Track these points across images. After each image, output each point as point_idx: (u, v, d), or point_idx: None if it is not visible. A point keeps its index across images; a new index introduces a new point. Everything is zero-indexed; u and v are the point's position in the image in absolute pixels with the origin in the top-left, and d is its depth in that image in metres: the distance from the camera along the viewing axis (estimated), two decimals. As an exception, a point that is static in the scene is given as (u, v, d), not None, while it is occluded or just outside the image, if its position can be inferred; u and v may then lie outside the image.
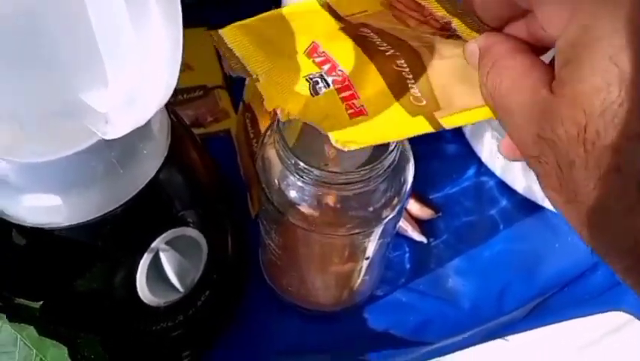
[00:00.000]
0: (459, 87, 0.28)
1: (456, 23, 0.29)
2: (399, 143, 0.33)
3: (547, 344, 0.49)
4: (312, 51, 0.31)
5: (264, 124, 0.49)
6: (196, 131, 0.57)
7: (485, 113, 0.27)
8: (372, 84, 0.30)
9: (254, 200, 0.50)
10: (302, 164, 0.33)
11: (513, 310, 0.49)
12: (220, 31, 0.32)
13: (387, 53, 0.30)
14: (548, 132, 0.23)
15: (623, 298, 0.49)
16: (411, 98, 0.29)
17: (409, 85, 0.29)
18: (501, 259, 0.51)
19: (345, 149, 0.28)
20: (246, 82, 0.51)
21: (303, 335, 0.47)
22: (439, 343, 0.47)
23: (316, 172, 0.33)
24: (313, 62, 0.31)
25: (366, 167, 0.32)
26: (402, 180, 0.36)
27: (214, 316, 0.44)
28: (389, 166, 0.33)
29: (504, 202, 0.54)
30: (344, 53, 0.31)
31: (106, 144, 0.29)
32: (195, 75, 0.61)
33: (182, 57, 0.61)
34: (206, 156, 0.42)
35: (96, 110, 0.27)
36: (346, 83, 0.30)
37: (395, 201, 0.36)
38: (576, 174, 0.22)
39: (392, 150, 0.33)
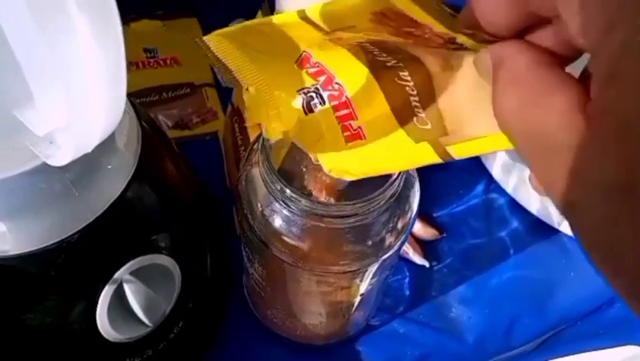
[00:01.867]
0: (471, 108, 0.24)
1: (462, 38, 0.24)
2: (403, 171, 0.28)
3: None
4: (304, 62, 0.27)
5: (253, 130, 0.44)
6: (181, 133, 0.52)
7: (502, 142, 0.23)
8: (373, 102, 0.25)
9: (240, 214, 0.46)
10: (288, 191, 0.28)
11: (522, 344, 0.45)
12: (205, 38, 0.27)
13: (388, 64, 0.25)
14: (585, 175, 0.18)
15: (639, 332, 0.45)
16: (415, 120, 0.24)
17: (413, 104, 0.24)
18: (510, 287, 0.47)
19: (339, 178, 0.25)
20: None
21: (289, 368, 0.42)
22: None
23: (305, 202, 0.28)
24: (307, 72, 0.27)
25: (365, 199, 0.28)
26: (406, 208, 0.31)
27: (189, 348, 0.39)
28: (391, 196, 0.29)
29: (515, 224, 0.50)
30: (339, 63, 0.26)
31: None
32: (182, 71, 0.56)
33: (169, 51, 0.56)
34: (185, 169, 0.38)
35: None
36: (344, 99, 0.26)
37: (397, 233, 0.31)
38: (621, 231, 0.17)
39: (395, 180, 0.28)
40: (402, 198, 0.31)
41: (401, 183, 0.29)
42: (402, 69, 0.25)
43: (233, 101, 0.48)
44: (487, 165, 0.51)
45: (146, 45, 0.57)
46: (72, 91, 0.19)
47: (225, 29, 0.28)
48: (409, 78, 0.25)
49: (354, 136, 0.25)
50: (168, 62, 0.57)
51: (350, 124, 0.25)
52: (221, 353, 0.42)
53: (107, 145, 0.29)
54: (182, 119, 0.54)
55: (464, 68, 0.24)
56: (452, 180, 0.51)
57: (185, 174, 0.38)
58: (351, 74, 0.26)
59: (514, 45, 0.21)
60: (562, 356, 0.44)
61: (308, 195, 0.29)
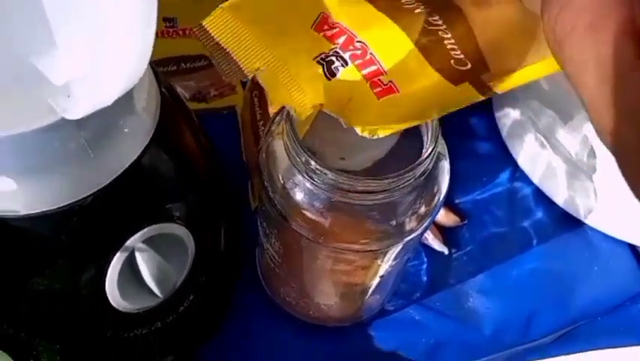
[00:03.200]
0: (514, 39, 0.23)
1: None
2: (435, 146, 0.27)
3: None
4: (322, 24, 0.25)
5: (276, 108, 0.43)
6: (197, 106, 0.51)
7: (546, 67, 0.22)
8: (401, 52, 0.24)
9: (255, 190, 0.45)
10: (314, 163, 0.27)
11: (540, 338, 0.43)
12: (204, 21, 0.25)
13: (415, 11, 0.24)
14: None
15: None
16: (452, 62, 0.23)
17: (448, 46, 0.23)
18: (531, 279, 0.46)
19: (375, 137, 0.24)
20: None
21: (301, 350, 0.41)
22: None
23: (331, 175, 0.27)
24: (324, 36, 0.25)
25: (394, 175, 0.26)
26: (434, 189, 0.30)
27: (198, 323, 0.38)
28: (422, 174, 0.27)
29: (540, 214, 0.48)
30: (361, 19, 0.25)
31: (74, 122, 0.24)
32: (200, 42, 0.55)
33: (189, 21, 0.54)
34: (203, 139, 0.37)
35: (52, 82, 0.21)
36: (368, 56, 0.25)
37: (423, 214, 0.30)
38: None
39: (426, 157, 0.26)
40: (431, 177, 0.29)
41: (432, 161, 0.27)
42: (431, 14, 0.24)
43: (255, 74, 0.46)
44: (514, 153, 0.49)
45: (166, 14, 0.56)
46: (97, 34, 0.17)
47: (230, 1, 0.26)
48: (440, 22, 0.24)
49: (387, 91, 0.24)
50: (187, 32, 0.56)
51: (380, 80, 0.24)
52: (231, 330, 0.41)
53: (126, 107, 0.28)
54: (200, 91, 0.53)
55: (501, 2, 0.23)
56: (476, 167, 0.49)
57: (203, 145, 0.37)
58: (375, 30, 0.25)
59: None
60: (579, 352, 0.43)
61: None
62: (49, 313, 0.31)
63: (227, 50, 0.24)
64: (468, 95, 0.23)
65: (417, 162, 0.26)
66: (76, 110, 0.21)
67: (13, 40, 0.20)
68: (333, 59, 0.25)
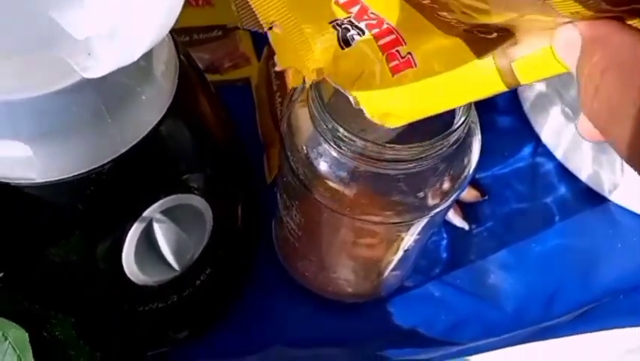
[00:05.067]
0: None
1: None
2: (469, 115, 0.26)
3: (592, 346, 0.43)
4: None
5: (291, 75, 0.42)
6: (211, 77, 0.50)
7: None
8: (420, 25, 0.22)
9: (271, 164, 0.44)
10: (342, 130, 0.26)
11: (561, 316, 0.42)
12: None
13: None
14: None
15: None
16: (475, 30, 0.21)
17: (469, 13, 0.20)
18: (554, 255, 0.45)
19: (385, 125, 0.22)
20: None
21: (318, 325, 0.41)
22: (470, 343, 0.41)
23: (359, 143, 0.25)
24: (337, 3, 0.24)
25: (425, 143, 0.25)
26: (465, 161, 0.29)
27: (215, 297, 0.38)
28: (454, 143, 0.26)
29: (562, 190, 0.47)
30: None
31: (92, 86, 0.23)
32: (215, 12, 0.53)
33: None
34: (221, 110, 0.36)
35: (74, 38, 0.20)
36: (385, 26, 0.23)
37: (452, 187, 0.29)
38: None
39: (460, 124, 0.25)
40: (462, 148, 0.28)
41: (465, 129, 0.26)
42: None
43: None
44: (537, 126, 0.48)
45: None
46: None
47: None
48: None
49: (404, 65, 0.22)
50: (200, 2, 0.54)
51: (398, 51, 0.22)
52: (247, 304, 0.40)
53: (145, 72, 0.27)
54: (213, 63, 0.51)
55: None
56: (497, 141, 0.48)
57: (221, 115, 0.36)
58: (387, 5, 0.23)
59: (610, 25, 0.18)
60: (602, 330, 0.42)
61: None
62: (64, 285, 0.31)
63: None
64: (491, 78, 0.21)
65: (450, 130, 0.25)
66: (97, 69, 0.20)
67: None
68: (349, 27, 0.23)
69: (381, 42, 0.23)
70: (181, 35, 0.52)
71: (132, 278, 0.30)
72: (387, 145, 0.25)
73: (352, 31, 0.23)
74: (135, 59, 0.19)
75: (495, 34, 0.20)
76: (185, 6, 0.56)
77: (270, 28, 0.23)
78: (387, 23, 0.23)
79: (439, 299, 0.42)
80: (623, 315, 0.43)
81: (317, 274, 0.38)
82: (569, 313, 0.43)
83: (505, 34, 0.20)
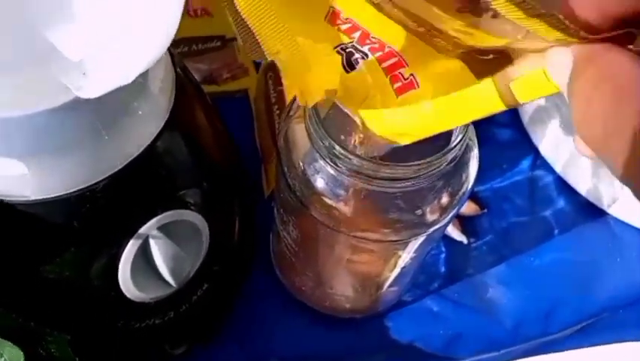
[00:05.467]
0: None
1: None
2: (467, 132, 0.26)
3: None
4: (334, 18, 0.24)
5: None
6: (208, 88, 0.50)
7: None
8: (420, 48, 0.22)
9: (269, 176, 0.44)
10: (338, 148, 0.25)
11: (561, 330, 0.42)
12: None
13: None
14: None
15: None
16: (473, 52, 0.21)
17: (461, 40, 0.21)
18: (552, 270, 0.44)
19: (393, 144, 0.23)
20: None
21: (315, 340, 0.40)
22: (468, 358, 0.41)
23: (355, 161, 0.25)
24: (339, 29, 0.24)
25: (422, 161, 0.25)
26: (463, 177, 0.29)
27: (211, 311, 0.37)
28: (451, 161, 0.26)
29: (561, 203, 0.47)
30: (373, 19, 0.23)
31: (88, 103, 0.23)
32: (213, 23, 0.53)
33: (200, 1, 0.53)
34: (219, 123, 0.35)
35: (68, 58, 0.20)
36: (387, 49, 0.23)
37: (450, 204, 0.28)
38: None
39: (457, 142, 0.25)
40: (460, 165, 0.28)
41: (463, 146, 0.26)
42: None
43: (269, 56, 0.45)
44: (535, 140, 0.48)
45: (177, -6, 0.55)
46: (117, 7, 0.16)
47: None
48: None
49: (407, 86, 0.22)
50: (199, 12, 0.54)
51: (401, 73, 0.23)
52: (244, 319, 0.40)
53: (141, 88, 0.27)
54: (211, 73, 0.51)
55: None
56: (496, 155, 0.48)
57: (218, 129, 0.35)
58: (387, 28, 0.23)
59: (604, 45, 0.18)
60: (601, 345, 0.42)
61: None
62: (60, 302, 0.30)
63: (252, 28, 0.23)
64: (489, 97, 0.21)
65: (447, 149, 0.25)
66: (92, 89, 0.20)
67: (27, 12, 0.19)
68: (353, 50, 0.24)
69: (385, 65, 0.23)
70: (179, 46, 0.52)
71: (128, 295, 0.30)
72: (384, 163, 0.25)
73: (356, 55, 0.23)
74: (130, 80, 0.19)
75: (491, 56, 0.21)
76: (183, 16, 0.56)
77: (278, 52, 0.23)
78: (389, 47, 0.23)
79: (437, 314, 0.42)
80: (622, 329, 0.43)
81: (314, 289, 0.37)
82: (569, 327, 0.42)
83: (501, 56, 0.20)
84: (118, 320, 0.32)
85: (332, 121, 0.28)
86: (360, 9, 0.24)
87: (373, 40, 0.23)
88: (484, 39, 0.19)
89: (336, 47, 0.24)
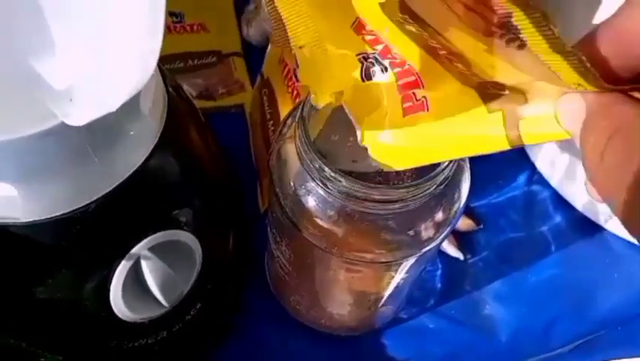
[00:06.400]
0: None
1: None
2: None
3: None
4: (360, 27, 0.24)
5: (283, 104, 0.41)
6: (205, 104, 0.50)
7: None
8: (438, 73, 0.22)
9: (264, 192, 0.43)
10: (328, 170, 0.25)
11: (558, 347, 0.42)
12: None
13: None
14: None
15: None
16: (489, 85, 0.21)
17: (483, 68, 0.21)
18: (550, 286, 0.44)
19: (385, 169, 0.23)
20: (267, 51, 0.44)
21: (311, 358, 0.40)
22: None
23: (345, 183, 0.25)
24: (363, 39, 0.24)
25: (411, 183, 0.25)
26: (454, 197, 0.28)
27: (205, 332, 0.37)
28: (442, 182, 0.26)
29: (558, 219, 0.47)
30: (397, 36, 0.23)
31: (77, 126, 0.22)
32: (209, 38, 0.53)
33: (196, 17, 0.53)
34: (212, 141, 0.35)
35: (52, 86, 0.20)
36: (407, 66, 0.23)
37: (442, 223, 0.28)
38: None
39: (447, 164, 0.25)
40: (451, 185, 0.28)
41: (453, 168, 0.26)
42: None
43: (264, 72, 0.45)
44: (532, 155, 0.47)
45: (173, 9, 0.55)
46: (101, 36, 0.16)
47: None
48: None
49: (417, 107, 0.22)
50: (195, 28, 0.54)
51: (414, 93, 0.23)
52: (239, 338, 0.40)
53: (131, 109, 0.26)
54: (207, 89, 0.51)
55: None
56: (492, 170, 0.47)
57: (211, 147, 0.35)
58: (409, 47, 0.23)
59: (617, 95, 0.18)
60: (597, 361, 0.42)
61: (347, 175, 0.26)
62: (52, 323, 0.30)
63: (284, 20, 0.23)
64: (496, 134, 0.21)
65: (437, 170, 0.25)
66: (79, 116, 0.20)
67: (13, 41, 0.19)
68: (374, 62, 0.24)
69: (401, 82, 0.23)
70: (175, 61, 0.52)
71: (120, 316, 0.29)
72: (374, 186, 0.25)
73: (376, 67, 0.24)
74: (115, 108, 0.19)
75: (507, 92, 0.20)
76: (180, 32, 0.56)
77: (301, 47, 0.24)
78: (409, 64, 0.23)
79: (434, 331, 0.42)
80: (621, 346, 0.42)
81: (309, 308, 0.37)
82: (566, 344, 0.42)
83: (516, 94, 0.20)
84: (110, 340, 0.32)
85: (326, 138, 0.28)
86: (383, 25, 0.24)
87: (395, 55, 0.23)
88: (504, 71, 0.19)
89: (358, 55, 0.24)
